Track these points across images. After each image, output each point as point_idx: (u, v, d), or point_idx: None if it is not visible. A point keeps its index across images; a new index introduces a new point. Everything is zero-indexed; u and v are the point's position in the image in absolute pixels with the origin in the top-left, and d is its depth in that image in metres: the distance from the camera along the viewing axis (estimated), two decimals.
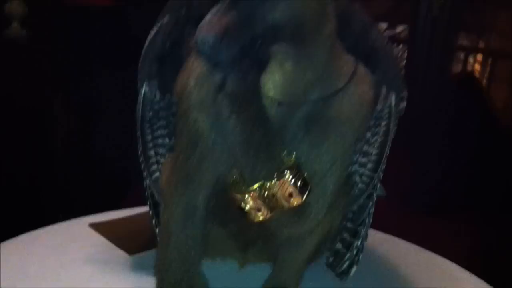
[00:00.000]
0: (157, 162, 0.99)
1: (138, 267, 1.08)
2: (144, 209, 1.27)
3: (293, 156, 0.77)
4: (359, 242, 0.97)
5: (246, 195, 0.76)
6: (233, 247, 1.03)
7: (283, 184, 0.75)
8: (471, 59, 2.52)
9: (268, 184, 0.75)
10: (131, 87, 1.03)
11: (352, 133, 0.81)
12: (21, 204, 1.94)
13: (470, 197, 2.14)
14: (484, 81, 2.53)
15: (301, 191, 0.76)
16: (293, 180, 0.75)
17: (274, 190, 0.75)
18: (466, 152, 2.14)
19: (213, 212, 0.93)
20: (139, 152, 0.98)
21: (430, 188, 2.20)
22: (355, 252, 0.97)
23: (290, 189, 0.75)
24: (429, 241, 1.25)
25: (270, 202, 0.76)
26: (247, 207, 0.77)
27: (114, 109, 2.07)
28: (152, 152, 0.98)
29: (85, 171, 2.12)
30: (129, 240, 1.17)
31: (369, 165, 0.94)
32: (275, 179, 0.75)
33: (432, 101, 2.16)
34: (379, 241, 1.22)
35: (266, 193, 0.76)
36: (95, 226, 1.22)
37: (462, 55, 2.50)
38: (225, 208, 0.93)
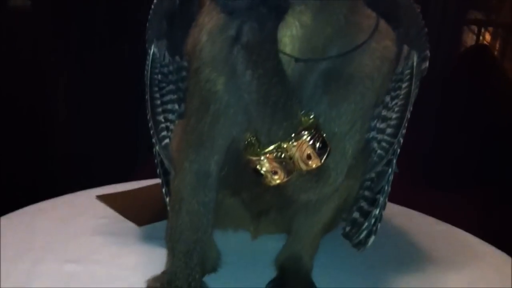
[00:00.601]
0: (167, 129, 0.95)
1: (148, 238, 1.05)
2: (152, 182, 1.25)
3: (312, 116, 0.72)
4: (378, 211, 0.93)
5: (262, 157, 0.72)
6: (246, 217, 1.00)
7: (301, 145, 0.71)
8: (483, 35, 2.47)
9: (285, 145, 0.71)
10: (136, 56, 0.99)
11: (373, 92, 0.76)
12: (26, 179, 1.91)
13: (484, 172, 2.10)
14: (497, 54, 2.47)
15: (320, 153, 0.72)
16: (311, 141, 0.71)
17: (291, 151, 0.71)
18: (480, 125, 2.09)
19: (225, 179, 0.89)
20: (148, 117, 0.94)
21: (444, 163, 2.16)
22: (373, 221, 0.93)
23: (308, 150, 0.71)
24: (443, 216, 1.21)
25: (287, 164, 0.72)
26: (263, 169, 0.73)
27: (118, 78, 2.03)
28: (161, 118, 0.94)
29: (91, 144, 2.08)
30: (137, 211, 1.14)
31: (389, 130, 0.89)
32: (293, 140, 0.71)
33: (445, 74, 2.10)
34: (394, 213, 1.18)
35: (283, 155, 0.71)
36: (103, 198, 1.18)
37: (475, 30, 2.44)
38: (238, 175, 0.89)
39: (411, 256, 1.04)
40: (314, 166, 0.72)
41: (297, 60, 0.72)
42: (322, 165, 0.73)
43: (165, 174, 0.97)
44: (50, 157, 2.04)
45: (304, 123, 0.72)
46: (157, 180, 1.17)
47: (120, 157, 2.12)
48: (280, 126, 0.70)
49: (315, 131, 0.71)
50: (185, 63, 0.96)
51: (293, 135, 0.71)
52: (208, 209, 0.84)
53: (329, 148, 0.73)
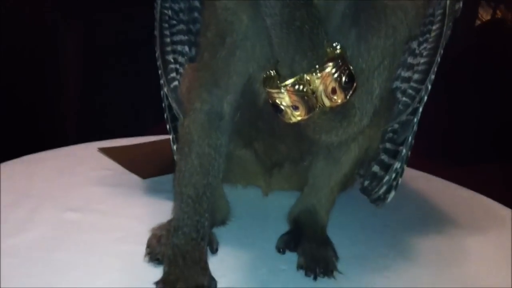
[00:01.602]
0: (176, 71, 0.89)
1: (153, 190, 0.99)
2: (157, 138, 1.19)
3: (338, 47, 0.66)
4: (399, 165, 0.86)
5: (282, 89, 0.66)
6: (258, 171, 0.94)
7: (325, 78, 0.64)
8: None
9: (308, 77, 0.64)
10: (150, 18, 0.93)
11: (405, 26, 0.70)
12: (32, 131, 1.86)
13: (504, 147, 2.04)
14: None
15: (346, 87, 0.65)
16: (337, 73, 0.65)
17: (314, 84, 0.65)
18: (498, 98, 2.04)
19: (237, 127, 0.83)
20: (157, 54, 0.87)
21: (463, 138, 2.10)
22: (393, 175, 0.87)
23: (333, 84, 0.65)
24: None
25: (309, 99, 0.65)
26: (283, 104, 0.66)
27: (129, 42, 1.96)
28: (170, 58, 0.88)
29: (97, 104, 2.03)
30: (142, 164, 1.08)
31: (416, 76, 0.83)
32: (317, 72, 0.64)
33: (462, 50, 2.04)
34: (412, 176, 1.12)
35: (305, 88, 0.65)
36: (105, 151, 1.12)
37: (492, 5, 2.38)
38: (252, 123, 0.84)
39: (431, 218, 0.98)
40: (339, 101, 0.66)
41: None
42: (347, 101, 0.67)
43: (173, 120, 0.91)
44: (59, 112, 1.99)
45: (330, 54, 0.65)
46: (164, 137, 1.13)
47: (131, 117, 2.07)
48: (304, 55, 0.64)
49: (342, 63, 0.65)
50: (197, 3, 0.90)
51: (317, 66, 0.65)
52: (220, 153, 0.78)
53: (356, 83, 0.67)
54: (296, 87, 0.65)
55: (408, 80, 0.85)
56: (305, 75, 0.65)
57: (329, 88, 0.65)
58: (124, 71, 2.03)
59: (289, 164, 0.91)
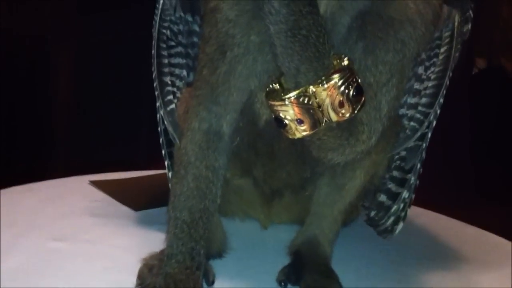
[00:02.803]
0: (173, 94, 0.85)
1: (145, 222, 0.94)
2: (150, 172, 1.14)
3: (346, 58, 0.63)
4: (408, 194, 0.82)
5: (287, 101, 0.62)
6: (256, 201, 0.89)
7: (332, 90, 0.61)
8: None
9: (314, 89, 0.61)
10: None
11: (414, 41, 0.67)
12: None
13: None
14: None
15: (354, 100, 0.62)
16: (344, 85, 0.61)
17: (320, 97, 0.61)
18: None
19: (235, 153, 0.79)
20: (154, 75, 0.84)
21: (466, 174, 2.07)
22: (401, 205, 0.82)
23: (340, 97, 0.61)
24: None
25: (315, 113, 0.62)
26: (287, 117, 0.62)
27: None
28: (167, 79, 0.85)
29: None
30: (134, 197, 1.03)
31: (424, 100, 0.80)
32: (324, 83, 0.61)
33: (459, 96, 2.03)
34: (417, 214, 1.07)
35: (310, 100, 0.61)
36: (96, 183, 1.08)
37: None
38: (251, 147, 0.80)
39: (438, 254, 0.92)
40: (346, 115, 0.62)
41: None
42: (355, 117, 0.63)
43: (169, 146, 0.87)
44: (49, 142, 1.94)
45: (337, 65, 0.62)
46: (158, 172, 1.09)
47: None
48: (310, 65, 0.61)
49: (350, 74, 0.61)
50: (196, 27, 0.87)
51: (323, 77, 0.61)
52: (218, 175, 0.74)
53: (364, 97, 0.63)
54: (301, 99, 0.62)
55: (415, 106, 0.81)
56: (310, 87, 0.61)
57: (336, 101, 0.61)
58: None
59: (290, 193, 0.86)
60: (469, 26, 0.77)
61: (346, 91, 0.61)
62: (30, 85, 1.90)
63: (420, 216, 1.07)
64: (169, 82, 0.85)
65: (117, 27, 1.89)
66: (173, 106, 0.84)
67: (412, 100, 0.82)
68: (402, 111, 0.83)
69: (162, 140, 0.86)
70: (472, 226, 1.06)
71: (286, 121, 0.63)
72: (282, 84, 0.65)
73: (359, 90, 0.62)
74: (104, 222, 0.92)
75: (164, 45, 0.84)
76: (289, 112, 0.62)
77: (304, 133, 0.63)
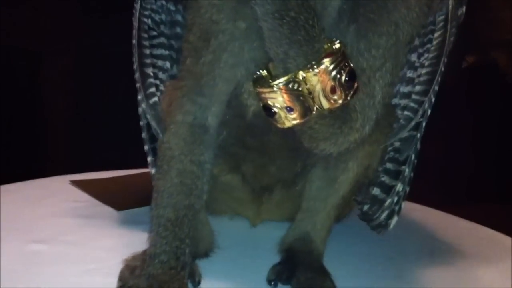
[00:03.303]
0: (156, 86, 0.81)
1: (128, 222, 0.90)
2: (133, 171, 1.11)
3: (337, 42, 0.59)
4: (402, 187, 0.78)
5: (275, 88, 0.58)
6: (245, 198, 0.85)
7: (323, 75, 0.57)
8: None
9: (303, 74, 0.57)
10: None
11: (408, 25, 0.64)
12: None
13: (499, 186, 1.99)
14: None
15: (347, 86, 0.58)
16: (336, 70, 0.58)
17: (311, 83, 0.57)
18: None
19: (223, 147, 0.75)
20: (135, 66, 0.80)
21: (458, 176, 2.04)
22: (396, 199, 0.79)
23: (332, 82, 0.58)
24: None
25: (306, 100, 0.58)
26: (276, 105, 0.59)
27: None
28: (149, 71, 0.81)
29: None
30: (116, 197, 0.99)
31: (418, 88, 0.76)
32: (314, 68, 0.57)
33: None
34: (411, 209, 1.03)
35: (300, 87, 0.58)
36: (77, 183, 1.04)
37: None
38: (239, 141, 0.76)
39: (436, 250, 0.89)
40: (339, 102, 0.58)
41: None
42: (348, 104, 0.60)
43: (152, 141, 0.83)
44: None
45: (328, 49, 0.58)
46: (141, 171, 1.05)
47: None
48: (299, 49, 0.57)
49: (341, 58, 0.58)
50: (180, 17, 0.83)
51: (314, 62, 0.57)
52: (204, 170, 0.70)
53: (357, 83, 0.59)
54: (291, 85, 0.58)
55: (408, 95, 0.78)
56: (300, 72, 0.58)
57: (328, 87, 0.58)
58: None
59: (280, 189, 0.82)
60: (464, 9, 0.74)
61: (338, 76, 0.58)
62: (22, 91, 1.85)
63: (416, 211, 1.04)
64: (151, 74, 0.81)
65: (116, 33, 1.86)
66: (155, 99, 0.80)
67: (405, 89, 0.79)
68: (395, 100, 0.79)
69: (145, 135, 0.83)
70: (469, 222, 1.03)
71: (275, 109, 0.59)
72: (270, 71, 0.61)
73: (352, 75, 0.59)
74: (86, 223, 0.88)
75: (146, 35, 0.80)
76: (278, 99, 0.59)
77: (294, 122, 0.59)
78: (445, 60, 0.74)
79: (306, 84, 0.58)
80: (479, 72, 2.20)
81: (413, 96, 0.76)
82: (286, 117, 0.59)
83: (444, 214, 1.07)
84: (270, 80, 0.59)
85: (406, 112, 0.76)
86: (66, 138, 1.99)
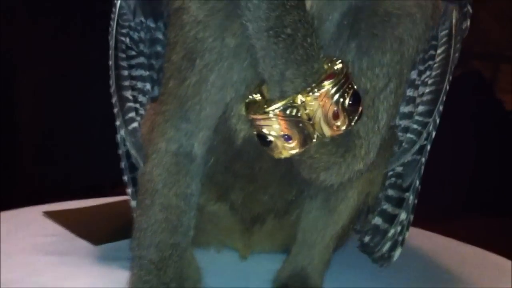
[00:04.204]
0: (136, 111, 0.75)
1: (106, 259, 0.82)
2: (111, 199, 1.04)
3: (338, 61, 0.53)
4: (405, 215, 0.72)
5: (271, 114, 0.52)
6: (234, 229, 0.78)
7: (324, 99, 0.51)
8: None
9: (302, 98, 0.51)
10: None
11: (414, 40, 0.58)
12: None
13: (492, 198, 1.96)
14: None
15: (350, 110, 0.52)
16: (339, 93, 0.51)
17: (311, 107, 0.51)
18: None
19: (210, 175, 0.68)
20: (111, 90, 0.73)
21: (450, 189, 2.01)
22: (399, 228, 0.73)
23: (335, 106, 0.51)
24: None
25: (305, 126, 0.52)
26: (272, 133, 0.52)
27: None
28: (128, 94, 0.74)
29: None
30: (93, 229, 0.91)
31: (421, 109, 0.71)
32: (314, 91, 0.51)
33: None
34: (411, 235, 0.97)
35: (299, 112, 0.51)
36: (51, 215, 0.96)
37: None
38: (228, 168, 0.69)
39: (437, 278, 0.83)
40: (342, 128, 0.52)
41: None
42: (351, 129, 0.54)
43: (132, 170, 0.76)
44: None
45: (328, 69, 0.52)
46: (119, 198, 0.98)
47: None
48: (297, 70, 0.51)
49: (345, 80, 0.52)
50: (160, 35, 0.77)
51: (313, 84, 0.51)
52: (190, 204, 0.63)
53: (361, 106, 0.53)
54: (288, 111, 0.52)
55: (409, 116, 0.73)
56: (299, 96, 0.51)
57: (330, 112, 0.52)
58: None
59: (272, 218, 0.76)
60: (468, 22, 0.69)
61: (341, 99, 0.52)
62: None
63: (415, 236, 0.98)
64: (130, 97, 0.74)
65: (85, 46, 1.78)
66: (135, 124, 0.74)
67: (405, 109, 0.73)
68: (395, 121, 0.74)
69: (124, 164, 0.76)
70: (470, 246, 0.98)
71: (271, 138, 0.53)
72: (264, 94, 0.55)
73: (356, 98, 0.53)
74: (61, 261, 0.80)
75: (124, 55, 0.74)
76: (274, 127, 0.52)
77: (293, 151, 0.53)
78: (450, 78, 0.68)
79: (305, 109, 0.52)
80: (463, 82, 2.18)
81: (416, 117, 0.71)
82: (283, 147, 0.53)
83: (443, 237, 1.01)
84: (265, 106, 0.53)
85: (409, 135, 0.70)
86: (38, 163, 1.90)
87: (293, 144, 0.53)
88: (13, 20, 1.79)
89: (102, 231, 0.91)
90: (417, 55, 0.63)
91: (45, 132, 1.92)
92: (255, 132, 0.54)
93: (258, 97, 0.55)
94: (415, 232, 0.98)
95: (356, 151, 0.56)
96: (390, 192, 0.74)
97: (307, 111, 0.52)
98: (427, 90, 0.70)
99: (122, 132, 0.73)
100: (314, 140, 0.53)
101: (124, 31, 0.73)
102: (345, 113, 0.52)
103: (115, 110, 0.73)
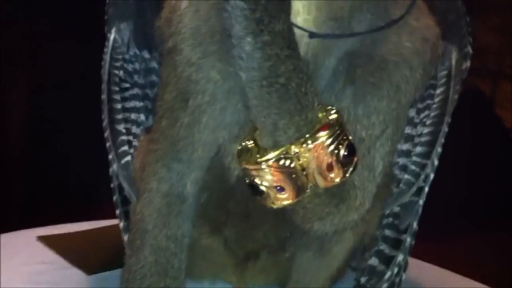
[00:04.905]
0: (129, 143, 0.73)
1: None
2: (105, 223, 1.02)
3: (333, 111, 0.52)
4: (402, 257, 0.71)
5: (263, 166, 0.50)
6: (228, 263, 0.77)
7: (318, 151, 0.50)
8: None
9: (296, 149, 0.50)
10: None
11: (411, 85, 0.57)
12: None
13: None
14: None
15: (345, 162, 0.51)
16: (334, 144, 0.50)
17: (305, 159, 0.50)
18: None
19: (203, 210, 0.67)
20: (104, 124, 0.72)
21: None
22: (396, 270, 0.71)
23: (329, 158, 0.50)
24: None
25: (298, 178, 0.51)
26: (264, 184, 0.51)
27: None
28: (121, 128, 0.73)
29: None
30: (87, 257, 0.90)
31: (419, 149, 0.69)
32: (308, 142, 0.50)
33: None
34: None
35: (292, 163, 0.50)
36: (45, 239, 0.94)
37: None
38: (221, 205, 0.68)
39: None
40: (336, 180, 0.51)
41: (312, 35, 0.53)
42: (346, 180, 0.52)
43: (125, 204, 0.74)
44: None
45: (323, 120, 0.51)
46: (114, 221, 0.96)
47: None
48: (290, 120, 0.50)
49: (340, 131, 0.50)
50: (155, 64, 0.76)
51: (307, 135, 0.50)
52: (182, 246, 0.62)
53: (356, 157, 0.52)
54: (282, 162, 0.50)
55: (407, 154, 0.71)
56: (292, 147, 0.50)
57: (324, 164, 0.50)
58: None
59: (267, 254, 0.74)
60: (468, 63, 0.68)
61: (336, 151, 0.50)
62: None
63: (413, 268, 0.97)
64: (123, 131, 0.73)
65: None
66: (128, 158, 0.72)
67: (403, 146, 0.71)
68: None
69: (117, 198, 0.74)
70: (466, 278, 0.96)
71: (263, 188, 0.51)
72: (257, 141, 0.53)
73: (351, 149, 0.51)
74: None
75: (117, 88, 0.72)
76: (266, 177, 0.51)
77: (286, 202, 0.52)
78: (449, 120, 0.67)
79: (299, 160, 0.50)
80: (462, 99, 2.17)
81: (414, 158, 0.69)
82: (275, 197, 0.52)
83: (440, 269, 0.99)
84: (258, 155, 0.51)
85: (407, 176, 0.69)
86: (29, 182, 1.88)
87: (285, 195, 0.51)
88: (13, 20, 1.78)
89: (95, 258, 0.89)
90: (415, 100, 0.62)
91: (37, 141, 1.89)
92: (247, 181, 0.53)
93: (251, 143, 0.54)
94: (413, 264, 0.97)
95: (351, 202, 0.55)
96: (387, 232, 0.72)
97: (301, 162, 0.50)
98: (425, 131, 0.68)
99: (114, 166, 0.72)
100: (308, 191, 0.52)
101: (117, 64, 0.72)
102: (339, 165, 0.50)
103: (108, 144, 0.72)
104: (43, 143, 1.85)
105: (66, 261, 0.88)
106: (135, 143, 0.74)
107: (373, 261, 0.72)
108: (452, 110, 0.67)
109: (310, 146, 0.49)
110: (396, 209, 0.71)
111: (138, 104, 0.75)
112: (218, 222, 0.71)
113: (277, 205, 0.52)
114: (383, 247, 0.72)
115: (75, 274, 0.85)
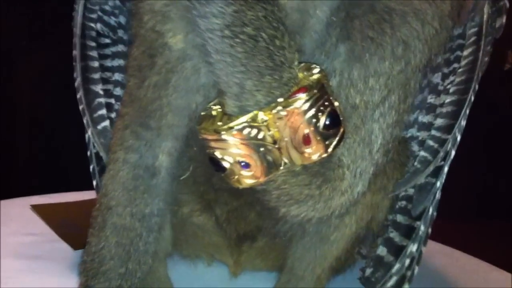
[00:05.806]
0: (108, 106, 0.65)
1: None
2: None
3: (316, 70, 0.42)
4: (416, 247, 0.60)
5: (225, 136, 0.41)
6: (222, 243, 0.69)
7: (293, 118, 0.40)
8: None
9: (265, 116, 0.40)
10: None
11: (423, 43, 0.46)
12: None
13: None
14: None
15: (326, 135, 0.41)
16: (311, 111, 0.40)
17: (276, 128, 0.40)
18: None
19: (192, 184, 0.59)
20: (76, 84, 0.63)
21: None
22: (407, 262, 0.61)
23: (306, 128, 0.40)
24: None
25: (268, 151, 0.41)
26: (226, 158, 0.42)
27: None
28: (98, 89, 0.65)
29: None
30: (76, 231, 0.84)
31: (439, 122, 0.58)
32: (281, 107, 0.40)
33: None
34: (432, 252, 0.85)
35: (260, 133, 0.40)
36: (38, 209, 0.90)
37: None
38: (209, 178, 0.59)
39: None
40: (313, 157, 0.41)
41: None
42: (330, 156, 0.42)
43: (102, 173, 0.67)
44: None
45: (303, 81, 0.41)
46: None
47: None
48: (260, 81, 0.40)
49: (321, 94, 0.41)
50: None
51: (281, 99, 0.40)
52: (149, 227, 0.54)
53: (343, 127, 0.42)
54: (246, 132, 0.41)
55: (428, 127, 0.60)
56: (260, 113, 0.40)
57: (300, 134, 0.40)
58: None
59: (264, 235, 0.66)
60: (503, 19, 0.56)
61: (314, 120, 0.40)
62: None
63: (436, 255, 0.86)
64: (101, 92, 0.65)
65: None
66: (106, 123, 0.64)
67: (425, 118, 0.61)
68: (412, 131, 0.61)
69: (94, 167, 0.66)
70: (498, 269, 0.85)
71: (226, 164, 0.42)
72: (222, 105, 0.44)
73: (335, 119, 0.41)
74: (35, 266, 0.73)
75: (93, 43, 0.64)
76: (228, 150, 0.42)
77: (250, 181, 0.42)
78: (476, 87, 0.56)
79: (269, 131, 0.41)
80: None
81: (433, 132, 0.58)
82: (240, 174, 0.42)
83: (473, 259, 0.89)
84: (220, 122, 0.42)
85: (422, 153, 0.58)
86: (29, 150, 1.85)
87: (251, 172, 0.42)
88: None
89: (84, 233, 0.83)
90: (431, 61, 0.50)
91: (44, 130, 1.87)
92: (209, 156, 0.44)
93: (216, 109, 0.44)
94: (436, 248, 0.87)
95: (336, 184, 0.45)
96: (399, 217, 0.62)
97: (271, 132, 0.41)
98: (448, 100, 0.57)
99: (89, 131, 0.64)
100: (281, 168, 0.42)
101: (93, 16, 0.63)
102: (319, 137, 0.41)
103: (81, 107, 0.64)
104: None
105: (56, 233, 0.83)
106: (117, 106, 0.66)
107: (381, 250, 0.62)
108: (481, 76, 0.56)
109: (282, 112, 0.40)
110: (410, 191, 0.61)
111: (124, 62, 0.67)
112: (207, 199, 0.63)
113: (243, 184, 0.43)
114: (393, 234, 0.62)
115: (62, 249, 0.79)
